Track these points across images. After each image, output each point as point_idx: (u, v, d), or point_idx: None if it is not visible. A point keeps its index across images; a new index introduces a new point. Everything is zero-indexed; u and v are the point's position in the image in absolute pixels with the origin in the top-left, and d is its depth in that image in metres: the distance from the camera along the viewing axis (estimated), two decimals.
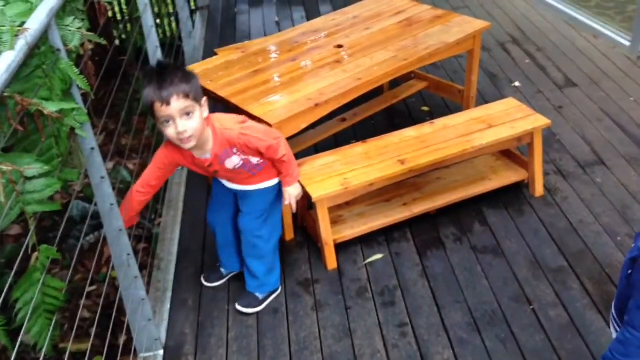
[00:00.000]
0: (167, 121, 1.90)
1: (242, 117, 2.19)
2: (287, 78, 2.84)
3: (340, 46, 3.10)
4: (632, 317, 1.31)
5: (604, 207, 2.87)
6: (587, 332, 2.24)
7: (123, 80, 2.89)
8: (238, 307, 2.46)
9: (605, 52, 4.31)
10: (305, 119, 2.61)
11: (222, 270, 2.59)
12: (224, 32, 5.21)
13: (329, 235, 2.58)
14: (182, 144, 1.95)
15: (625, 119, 3.53)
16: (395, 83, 3.74)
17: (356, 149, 2.77)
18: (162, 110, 1.86)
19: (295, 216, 2.78)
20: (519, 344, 2.23)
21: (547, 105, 3.74)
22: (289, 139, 2.66)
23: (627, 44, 4.27)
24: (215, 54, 3.22)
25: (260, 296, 2.47)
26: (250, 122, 2.17)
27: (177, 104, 1.86)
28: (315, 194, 2.48)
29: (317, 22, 3.49)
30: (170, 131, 1.91)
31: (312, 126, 3.03)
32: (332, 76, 2.81)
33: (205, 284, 2.58)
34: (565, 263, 2.57)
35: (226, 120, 2.12)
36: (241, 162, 2.15)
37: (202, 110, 1.95)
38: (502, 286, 2.48)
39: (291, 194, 2.30)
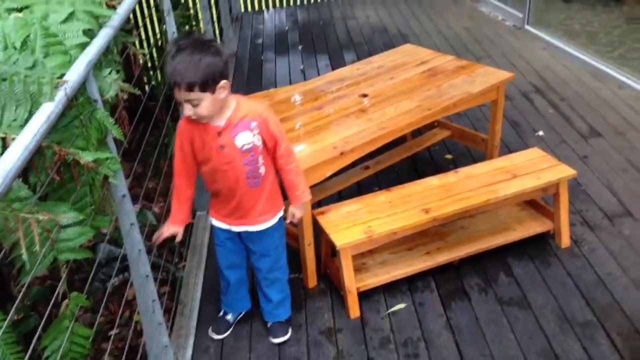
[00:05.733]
0: (178, 102, 1.97)
1: None
2: (313, 126, 2.88)
3: (365, 95, 3.15)
4: None
5: (633, 259, 2.81)
6: None
7: (153, 125, 2.96)
8: (275, 341, 2.49)
9: (630, 103, 4.30)
10: (331, 166, 2.64)
11: (229, 317, 2.58)
12: (250, 79, 5.34)
13: (352, 283, 2.56)
14: (194, 120, 2.01)
15: None
16: (418, 131, 3.77)
17: (380, 197, 2.78)
18: (174, 92, 1.93)
19: (318, 263, 2.78)
20: None
21: (572, 155, 3.72)
22: (313, 186, 2.70)
23: None
24: None
25: (283, 320, 2.53)
26: None
27: (181, 95, 1.91)
28: (339, 241, 2.48)
29: (342, 71, 3.56)
30: (181, 109, 1.99)
31: (336, 174, 3.07)
32: (357, 125, 2.85)
33: (216, 337, 2.55)
34: (593, 317, 2.51)
35: (251, 100, 2.19)
36: (251, 145, 2.09)
37: (215, 95, 1.95)
38: (529, 340, 2.43)
39: (296, 215, 2.33)
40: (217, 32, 5.82)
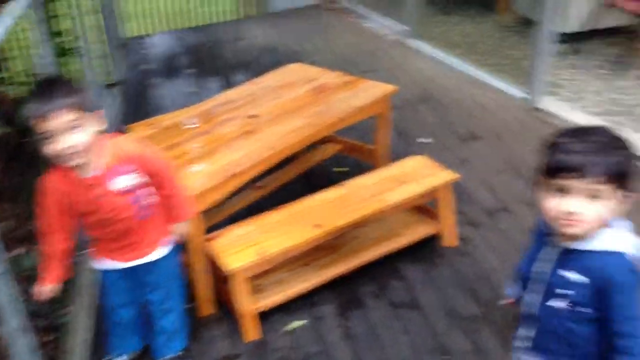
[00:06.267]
0: (49, 137, 1.79)
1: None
2: (201, 151, 2.87)
3: (253, 116, 3.19)
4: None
5: (512, 252, 3.02)
6: None
7: (30, 162, 2.83)
8: None
9: (505, 106, 4.63)
10: (222, 190, 2.64)
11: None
12: (140, 106, 5.22)
13: (248, 306, 2.57)
14: (67, 161, 1.86)
15: (525, 167, 3.77)
16: (310, 146, 3.85)
17: (272, 217, 2.81)
18: (42, 126, 1.77)
19: (213, 290, 2.76)
20: None
21: (454, 158, 3.94)
22: (205, 211, 2.69)
23: (524, 97, 4.61)
24: (127, 131, 3.23)
25: (178, 352, 2.47)
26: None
27: (61, 118, 1.77)
28: (230, 266, 2.48)
29: (230, 93, 3.58)
30: (51, 148, 1.81)
31: (229, 196, 3.08)
32: (247, 146, 2.87)
33: None
34: (478, 310, 2.67)
35: (124, 140, 2.11)
36: (132, 185, 2.05)
37: (93, 123, 1.89)
38: (421, 340, 2.54)
39: (178, 231, 2.28)
40: (101, 60, 5.65)
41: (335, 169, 3.93)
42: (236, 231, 2.72)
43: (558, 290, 1.42)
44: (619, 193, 1.31)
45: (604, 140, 1.30)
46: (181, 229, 2.30)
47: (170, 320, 2.40)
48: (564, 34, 5.61)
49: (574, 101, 4.60)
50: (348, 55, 5.98)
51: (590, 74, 5.06)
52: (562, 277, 1.41)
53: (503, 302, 1.89)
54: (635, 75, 4.96)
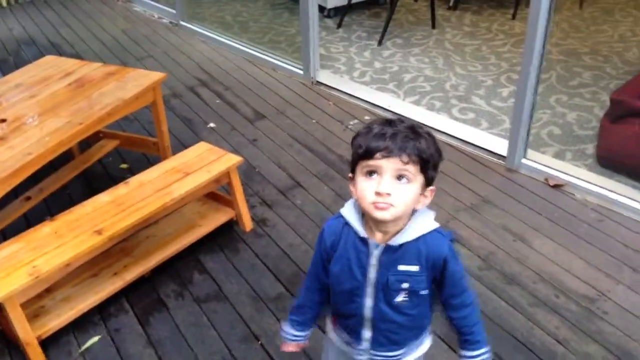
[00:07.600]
0: None
1: None
2: None
3: (3, 120, 2.77)
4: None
5: (308, 226, 3.08)
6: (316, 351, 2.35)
7: None
8: None
9: (285, 82, 4.70)
10: None
11: None
12: None
13: (28, 334, 2.24)
14: None
15: (311, 140, 3.87)
16: (87, 145, 3.51)
17: (44, 230, 2.48)
18: None
19: None
20: None
21: (243, 140, 3.90)
22: None
23: (301, 72, 4.73)
24: None
25: None
26: None
27: None
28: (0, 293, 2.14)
29: None
30: None
31: None
32: None
33: None
34: (283, 289, 2.67)
35: None
36: None
37: None
38: (230, 330, 2.46)
39: None
40: None
41: (121, 167, 3.64)
42: (1, 252, 2.34)
43: (394, 287, 1.42)
44: (422, 179, 1.33)
45: (409, 126, 1.34)
46: None
47: None
48: (329, 9, 5.89)
49: (348, 73, 4.85)
50: (120, 43, 5.58)
51: (359, 46, 5.37)
52: (394, 274, 1.41)
53: (289, 349, 1.73)
54: (394, 43, 5.39)
